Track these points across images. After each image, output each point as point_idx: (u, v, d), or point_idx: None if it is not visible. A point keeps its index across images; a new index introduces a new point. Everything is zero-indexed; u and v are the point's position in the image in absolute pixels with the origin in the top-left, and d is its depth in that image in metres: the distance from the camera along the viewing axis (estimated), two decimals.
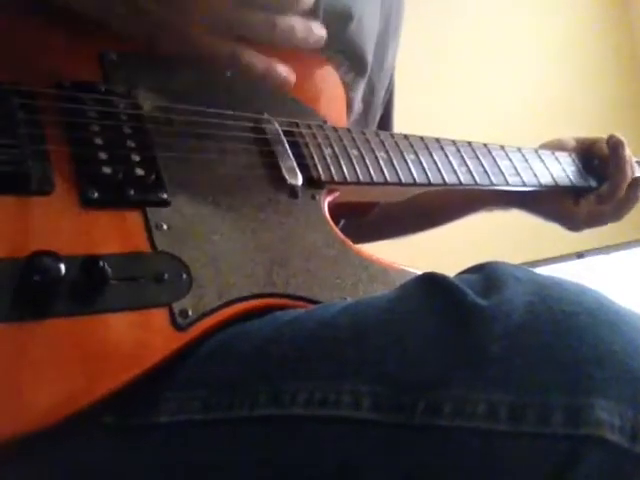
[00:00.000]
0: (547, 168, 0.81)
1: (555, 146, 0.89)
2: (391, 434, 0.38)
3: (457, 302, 0.40)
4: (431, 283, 0.42)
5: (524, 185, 0.76)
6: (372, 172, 0.63)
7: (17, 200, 0.44)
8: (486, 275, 0.43)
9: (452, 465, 0.37)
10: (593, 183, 0.87)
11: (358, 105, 0.80)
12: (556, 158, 0.84)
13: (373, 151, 0.65)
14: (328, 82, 0.72)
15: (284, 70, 0.55)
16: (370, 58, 0.79)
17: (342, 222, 0.75)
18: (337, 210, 0.60)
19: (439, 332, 0.39)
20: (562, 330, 0.37)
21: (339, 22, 0.72)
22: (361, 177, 0.62)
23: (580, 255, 1.92)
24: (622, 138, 0.86)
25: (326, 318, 0.43)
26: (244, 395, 0.41)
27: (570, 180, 0.83)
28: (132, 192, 0.47)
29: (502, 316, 0.38)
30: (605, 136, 0.88)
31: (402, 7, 0.87)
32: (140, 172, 0.48)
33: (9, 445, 0.38)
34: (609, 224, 0.89)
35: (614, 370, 0.36)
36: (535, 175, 0.78)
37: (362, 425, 0.38)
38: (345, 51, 0.74)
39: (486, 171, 0.72)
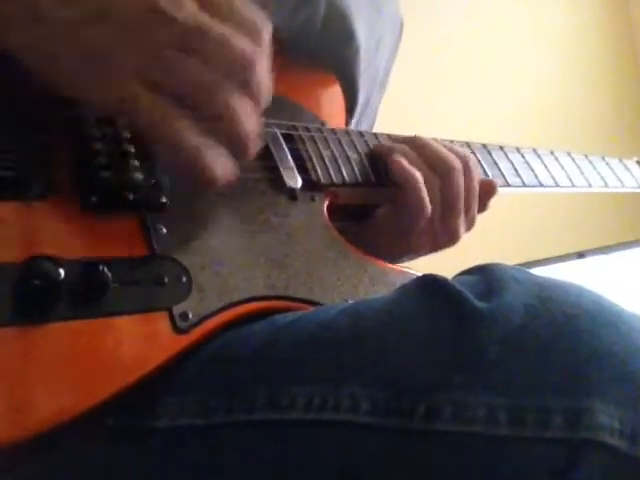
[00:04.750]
0: (546, 168, 0.80)
1: None
2: (390, 438, 0.38)
3: (457, 305, 0.40)
4: (431, 286, 0.42)
5: (524, 185, 0.76)
6: (371, 174, 0.63)
7: (17, 205, 0.44)
8: (486, 277, 0.43)
9: (451, 469, 0.36)
10: None
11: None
12: (555, 158, 0.83)
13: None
14: (326, 85, 0.72)
15: (223, 165, 0.44)
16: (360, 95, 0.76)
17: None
18: (337, 212, 0.60)
19: (438, 335, 0.39)
20: (561, 333, 0.37)
21: (337, 40, 0.70)
22: (360, 179, 0.62)
23: (580, 255, 1.91)
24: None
25: (325, 320, 0.43)
26: (243, 399, 0.41)
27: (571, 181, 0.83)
28: (131, 196, 0.47)
29: (502, 319, 0.38)
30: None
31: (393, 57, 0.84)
32: (139, 177, 0.48)
33: (10, 450, 0.38)
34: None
35: (614, 372, 0.36)
36: (535, 176, 0.78)
37: (361, 429, 0.38)
38: (337, 71, 0.71)
39: (485, 172, 0.72)
